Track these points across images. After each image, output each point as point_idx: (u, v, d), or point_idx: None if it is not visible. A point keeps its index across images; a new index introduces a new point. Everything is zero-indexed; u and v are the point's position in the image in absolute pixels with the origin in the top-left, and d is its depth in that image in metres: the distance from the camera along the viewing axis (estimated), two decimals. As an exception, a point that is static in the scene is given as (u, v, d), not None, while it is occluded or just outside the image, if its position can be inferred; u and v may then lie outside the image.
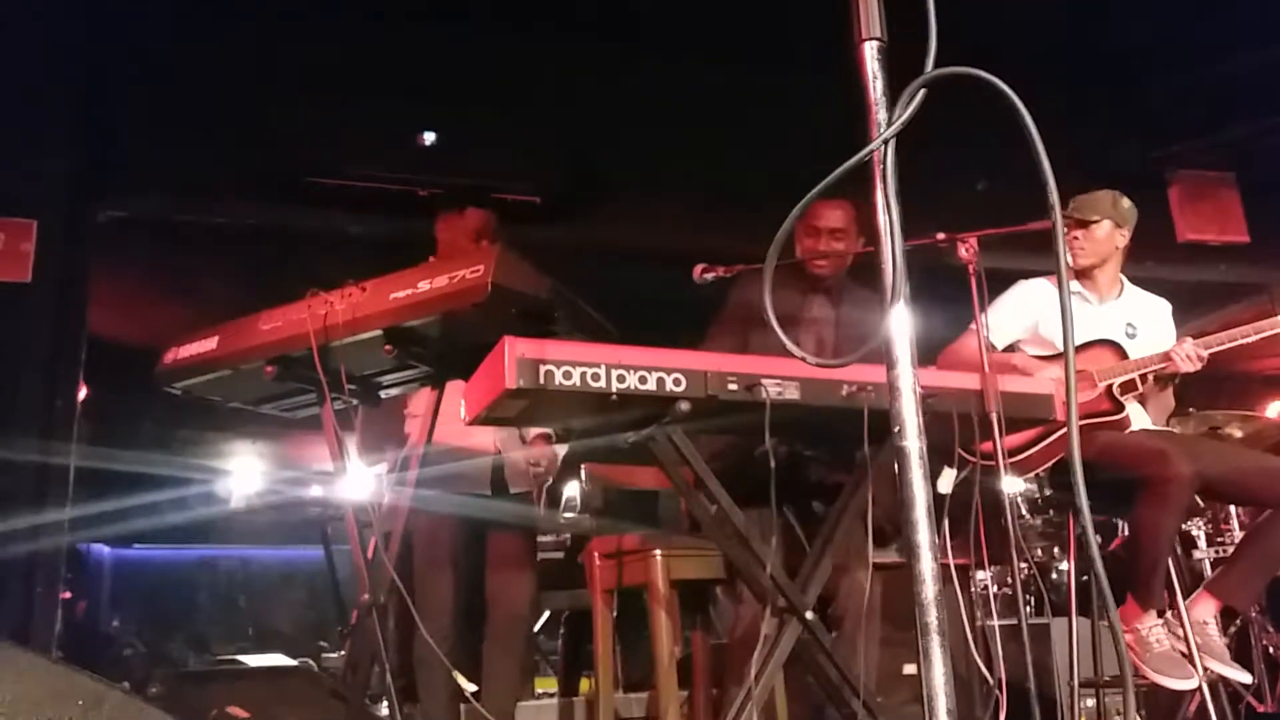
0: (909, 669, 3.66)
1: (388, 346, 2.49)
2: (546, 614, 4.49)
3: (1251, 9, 4.90)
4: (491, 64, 5.01)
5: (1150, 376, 3.27)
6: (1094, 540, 1.31)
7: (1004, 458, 2.76)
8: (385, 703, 2.76)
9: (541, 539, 4.20)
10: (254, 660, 5.33)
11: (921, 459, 1.29)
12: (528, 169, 5.06)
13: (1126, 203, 3.40)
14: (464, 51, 5.00)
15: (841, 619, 3.03)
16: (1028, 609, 3.95)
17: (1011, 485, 3.24)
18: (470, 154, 4.99)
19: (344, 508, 2.91)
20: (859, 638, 2.85)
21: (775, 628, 2.41)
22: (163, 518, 6.42)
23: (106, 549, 7.64)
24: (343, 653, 5.28)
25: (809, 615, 2.40)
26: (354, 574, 2.80)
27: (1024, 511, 4.61)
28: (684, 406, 2.21)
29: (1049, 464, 3.26)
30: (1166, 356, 3.22)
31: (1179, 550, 3.39)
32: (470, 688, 2.80)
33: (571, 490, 4.32)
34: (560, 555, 4.54)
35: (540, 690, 4.32)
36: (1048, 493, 4.47)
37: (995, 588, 4.44)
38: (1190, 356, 3.18)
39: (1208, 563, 4.22)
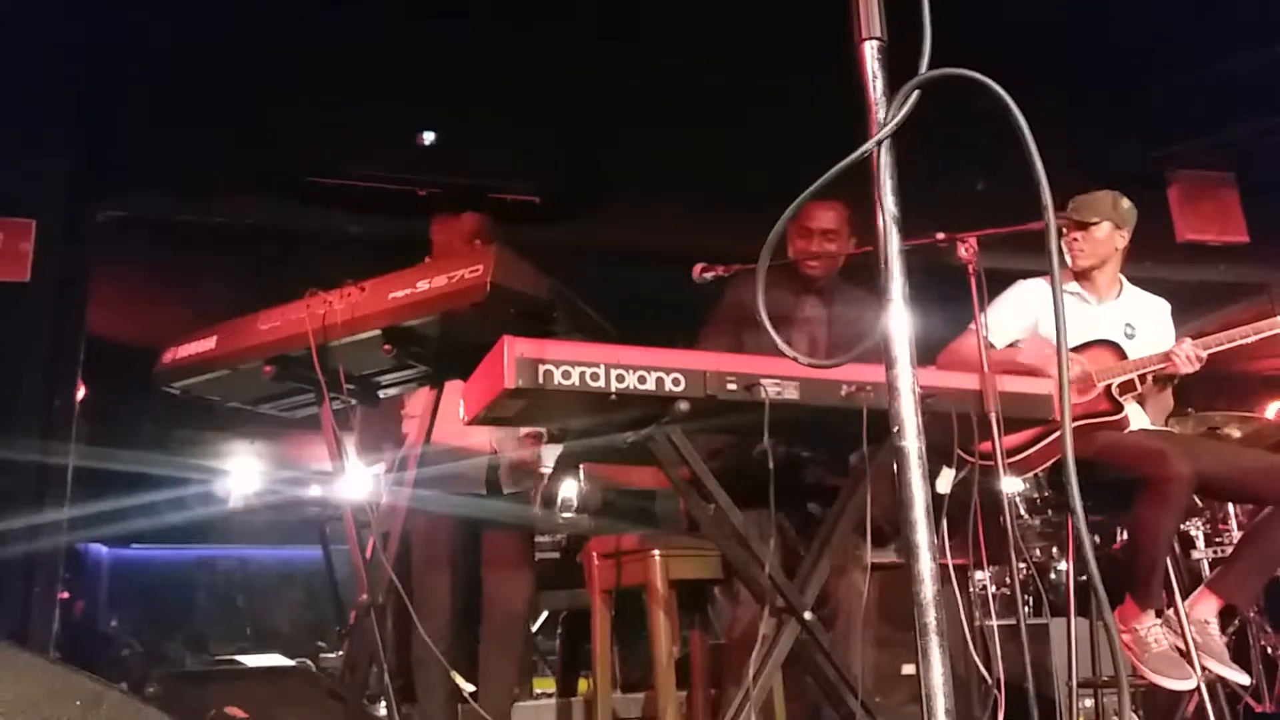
0: (907, 669, 3.66)
1: (387, 346, 2.49)
2: (545, 614, 4.49)
3: (1251, 9, 4.90)
4: (491, 64, 5.01)
5: (1149, 377, 3.27)
6: (1088, 541, 1.31)
7: (1003, 458, 2.76)
8: (383, 703, 2.76)
9: (538, 539, 4.20)
10: (252, 660, 5.32)
11: (920, 459, 1.29)
12: (527, 169, 5.06)
13: (1126, 203, 3.40)
14: (464, 51, 5.00)
15: (835, 619, 3.03)
16: (1026, 609, 3.95)
17: (1010, 485, 3.24)
18: (470, 154, 4.98)
19: (342, 508, 2.91)
20: (853, 638, 2.85)
21: (774, 628, 2.41)
22: (161, 518, 6.41)
23: (105, 549, 7.63)
24: (341, 653, 5.28)
25: (807, 615, 2.40)
26: (352, 574, 2.79)
27: (1023, 511, 4.61)
28: (683, 406, 2.21)
29: (1048, 464, 3.26)
30: (1166, 357, 3.22)
31: (1178, 550, 3.39)
32: (468, 688, 2.80)
33: (568, 490, 4.32)
34: (556, 555, 4.54)
35: (538, 690, 4.32)
36: (1046, 493, 4.47)
37: (994, 588, 4.44)
38: (1190, 357, 3.18)
39: (1206, 562, 4.22)
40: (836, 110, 1.84)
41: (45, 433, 4.29)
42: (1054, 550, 4.66)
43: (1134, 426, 3.28)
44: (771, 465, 2.29)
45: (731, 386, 2.27)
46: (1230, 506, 4.26)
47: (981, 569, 4.08)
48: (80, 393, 4.57)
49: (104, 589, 7.69)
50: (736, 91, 5.20)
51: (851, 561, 2.93)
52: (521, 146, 5.04)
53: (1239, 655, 3.56)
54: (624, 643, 3.56)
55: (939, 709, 1.23)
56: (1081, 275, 3.44)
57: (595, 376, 2.16)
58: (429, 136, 4.88)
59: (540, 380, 2.11)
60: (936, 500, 1.34)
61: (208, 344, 2.74)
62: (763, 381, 2.28)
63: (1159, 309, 3.52)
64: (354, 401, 2.81)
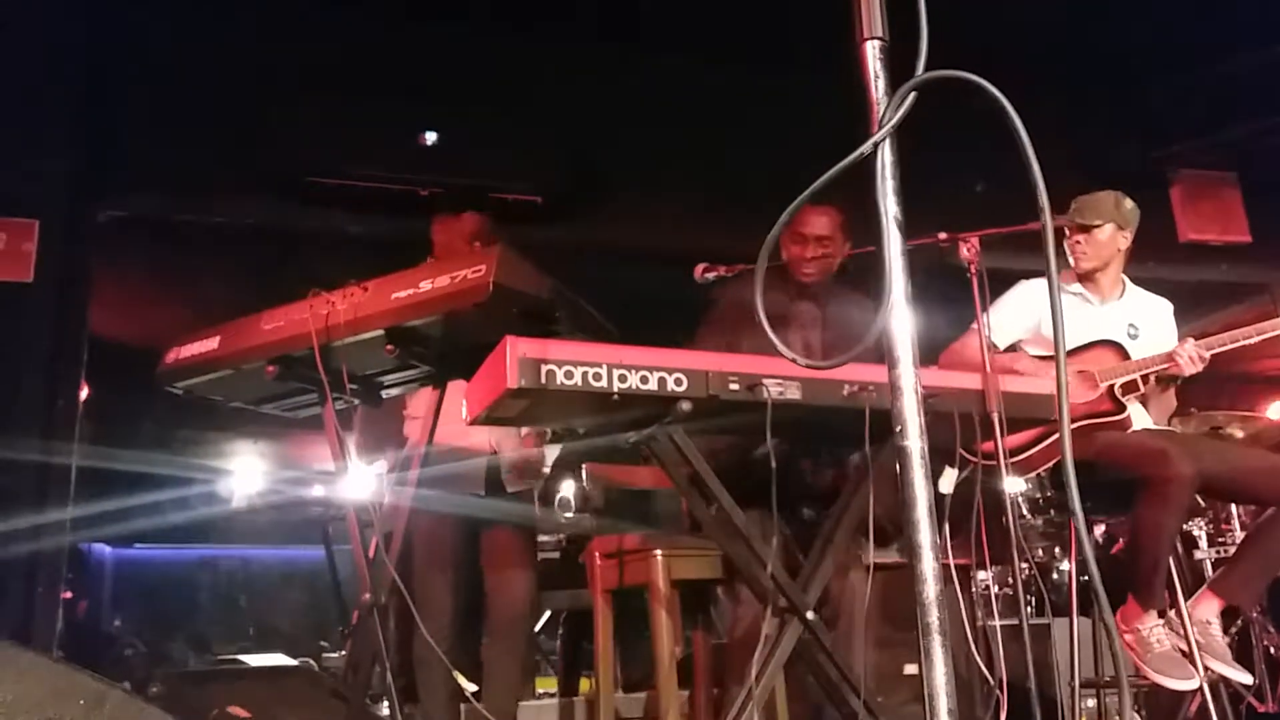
0: (910, 669, 3.66)
1: (389, 346, 2.49)
2: (547, 614, 4.49)
3: (1251, 9, 4.90)
4: (491, 64, 5.01)
5: (1152, 377, 3.27)
6: (1087, 541, 1.31)
7: (1005, 458, 2.76)
8: (386, 702, 2.76)
9: (540, 539, 4.21)
10: (255, 660, 5.33)
11: (923, 459, 1.29)
12: (528, 169, 5.06)
13: (1129, 204, 3.39)
14: (464, 51, 5.00)
15: (837, 619, 3.03)
16: (1029, 609, 3.94)
17: (1012, 485, 3.24)
18: (470, 154, 4.99)
19: (345, 507, 2.91)
20: (856, 637, 2.85)
21: (776, 628, 2.41)
22: (164, 517, 6.42)
23: (108, 549, 7.64)
24: (344, 653, 5.29)
25: (810, 615, 2.40)
26: (355, 574, 2.79)
27: (1025, 511, 4.61)
28: (685, 406, 2.21)
29: (1050, 464, 3.26)
30: (1169, 357, 3.22)
31: (1180, 550, 3.39)
32: (470, 687, 2.80)
33: (568, 490, 4.32)
34: (558, 555, 4.54)
35: (540, 690, 4.32)
36: (1049, 493, 4.47)
37: (996, 588, 4.44)
38: (1193, 358, 3.18)
39: (1209, 563, 4.22)
40: (836, 110, 1.84)
41: (48, 432, 4.30)
42: (1056, 550, 4.66)
43: (1137, 426, 3.28)
44: (774, 465, 2.30)
45: (734, 386, 2.27)
46: (1233, 507, 4.25)
47: (984, 569, 4.08)
48: (83, 392, 4.58)
49: (107, 589, 7.71)
50: (736, 91, 5.20)
51: (851, 561, 2.93)
52: (522, 146, 5.04)
53: (1241, 655, 3.57)
54: (626, 643, 3.56)
55: (941, 709, 1.24)
56: (1084, 276, 3.44)
57: (598, 376, 2.16)
58: (430, 136, 4.89)
59: (543, 380, 2.11)
60: (939, 500, 1.34)
61: (211, 344, 2.75)
62: (765, 382, 2.28)
63: (1162, 309, 3.51)
64: (356, 401, 2.81)
